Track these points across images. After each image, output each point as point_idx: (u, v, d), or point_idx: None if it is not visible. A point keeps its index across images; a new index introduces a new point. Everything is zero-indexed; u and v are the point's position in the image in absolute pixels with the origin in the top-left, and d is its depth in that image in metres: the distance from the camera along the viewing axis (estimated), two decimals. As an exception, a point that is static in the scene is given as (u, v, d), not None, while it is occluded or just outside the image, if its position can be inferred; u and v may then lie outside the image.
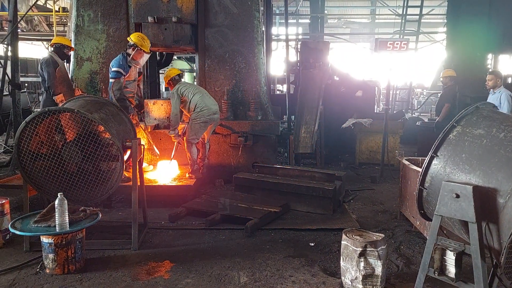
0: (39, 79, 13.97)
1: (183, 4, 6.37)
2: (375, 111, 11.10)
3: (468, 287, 2.57)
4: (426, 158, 2.71)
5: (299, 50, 8.86)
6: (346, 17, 25.24)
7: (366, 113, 8.65)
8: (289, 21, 19.84)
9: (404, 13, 13.09)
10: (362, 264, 3.30)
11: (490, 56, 10.85)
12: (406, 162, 4.81)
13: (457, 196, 2.48)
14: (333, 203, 5.32)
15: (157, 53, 7.75)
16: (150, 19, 6.31)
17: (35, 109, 11.99)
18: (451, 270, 2.59)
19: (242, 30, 6.72)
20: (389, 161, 7.58)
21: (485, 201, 2.44)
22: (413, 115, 12.90)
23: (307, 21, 21.12)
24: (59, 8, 15.43)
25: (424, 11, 16.71)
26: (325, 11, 21.41)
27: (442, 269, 2.64)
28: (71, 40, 6.79)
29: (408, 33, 13.28)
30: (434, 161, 2.70)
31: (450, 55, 10.75)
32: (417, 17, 12.83)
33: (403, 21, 13.06)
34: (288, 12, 18.25)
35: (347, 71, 10.35)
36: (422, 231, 4.41)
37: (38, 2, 17.42)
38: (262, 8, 8.09)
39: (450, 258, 2.57)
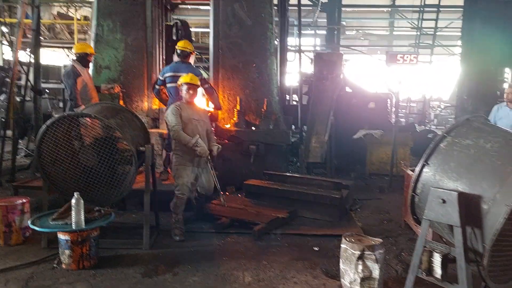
0: (60, 85, 14.46)
1: None
2: (389, 123, 11.15)
3: (453, 287, 2.71)
4: (418, 166, 2.87)
5: (313, 60, 9.06)
6: (364, 29, 25.31)
7: (378, 125, 8.74)
8: (307, 32, 20.12)
9: (420, 26, 13.16)
10: (360, 267, 3.44)
11: (507, 70, 10.79)
12: (410, 172, 4.92)
13: (444, 201, 2.62)
14: (339, 210, 5.45)
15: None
16: None
17: (56, 114, 12.40)
18: (438, 271, 2.73)
19: (256, 41, 6.96)
20: (398, 172, 7.66)
21: (470, 207, 2.57)
22: (427, 128, 12.88)
23: (324, 31, 21.33)
24: (80, 17, 16.01)
25: (443, 24, 16.72)
26: (344, 23, 21.57)
27: (430, 270, 2.78)
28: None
29: (423, 46, 13.33)
30: (425, 169, 2.85)
31: (465, 68, 10.78)
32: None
33: (418, 33, 13.13)
34: (305, 23, 18.51)
35: (360, 83, 10.48)
36: (424, 239, 4.51)
37: (60, 11, 18.11)
38: (277, 19, 8.30)
39: (437, 260, 2.72)
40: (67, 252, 3.88)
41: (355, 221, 5.45)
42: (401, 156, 8.01)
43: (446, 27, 17.39)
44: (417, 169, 2.87)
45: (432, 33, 13.08)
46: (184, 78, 5.01)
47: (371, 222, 5.55)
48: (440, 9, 12.92)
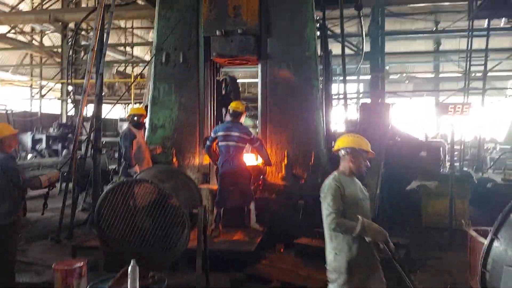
0: (116, 138, 15.38)
1: (248, 18, 7.04)
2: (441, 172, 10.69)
3: None
4: (487, 240, 2.68)
5: (358, 110, 9.00)
6: (407, 72, 25.12)
7: (431, 174, 8.40)
8: (350, 78, 20.20)
9: (468, 70, 12.80)
10: None
11: None
12: (474, 234, 4.62)
13: (521, 284, 2.41)
14: (396, 273, 5.15)
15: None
16: (218, 32, 7.00)
17: (111, 167, 13.01)
18: None
19: (302, 97, 7.07)
20: (458, 226, 7.23)
21: (553, 289, 2.35)
22: (484, 176, 12.11)
23: (368, 77, 21.34)
24: (137, 75, 17.16)
25: (491, 64, 16.17)
26: (387, 67, 21.47)
27: None
28: (146, 106, 7.56)
29: (473, 92, 12.91)
30: (495, 244, 2.66)
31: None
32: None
33: (466, 77, 12.74)
34: (348, 70, 18.61)
35: (409, 131, 10.24)
36: (494, 310, 4.14)
37: (119, 68, 19.54)
38: (321, 67, 8.39)
39: None
40: (122, 319, 3.89)
41: (415, 284, 5.12)
42: (460, 208, 7.58)
43: (493, 69, 16.84)
44: (486, 243, 2.69)
45: (481, 77, 12.68)
46: (357, 141, 3.53)
47: (433, 285, 5.20)
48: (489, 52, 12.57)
